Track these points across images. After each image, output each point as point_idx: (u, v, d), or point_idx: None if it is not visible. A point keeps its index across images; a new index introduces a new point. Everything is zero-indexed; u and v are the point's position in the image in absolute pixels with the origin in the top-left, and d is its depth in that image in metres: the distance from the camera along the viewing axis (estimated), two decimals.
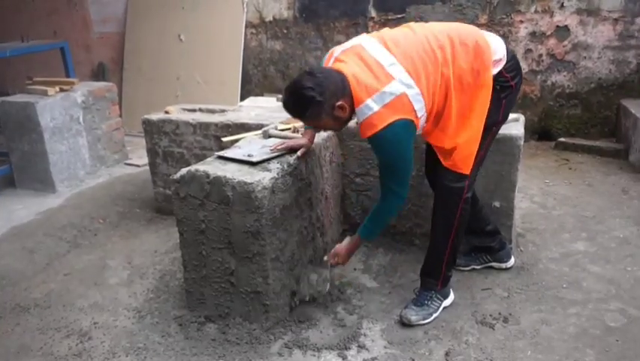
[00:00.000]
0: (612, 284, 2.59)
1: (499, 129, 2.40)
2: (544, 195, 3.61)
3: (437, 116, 2.17)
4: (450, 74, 2.11)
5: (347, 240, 2.43)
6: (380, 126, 2.01)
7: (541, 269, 2.75)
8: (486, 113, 2.20)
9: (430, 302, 2.40)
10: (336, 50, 2.19)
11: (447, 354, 2.19)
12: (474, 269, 2.73)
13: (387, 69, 2.05)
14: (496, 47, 2.20)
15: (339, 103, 2.03)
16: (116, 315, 2.57)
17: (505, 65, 2.22)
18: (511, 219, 2.77)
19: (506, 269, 2.73)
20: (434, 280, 2.43)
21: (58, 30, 6.18)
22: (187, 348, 2.29)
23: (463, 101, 2.15)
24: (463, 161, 2.23)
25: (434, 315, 2.39)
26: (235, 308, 2.38)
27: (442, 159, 2.25)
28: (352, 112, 2.10)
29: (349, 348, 2.25)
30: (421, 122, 2.12)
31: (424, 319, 2.37)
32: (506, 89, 2.25)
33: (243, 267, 2.29)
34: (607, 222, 3.20)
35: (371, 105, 2.01)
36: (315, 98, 2.00)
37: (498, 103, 2.24)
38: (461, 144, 2.20)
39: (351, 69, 2.06)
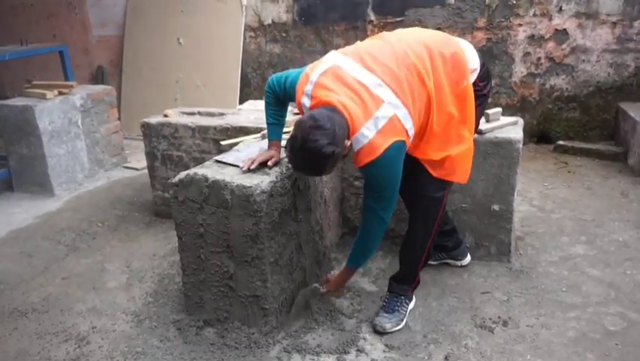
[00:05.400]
0: (612, 288, 2.59)
1: None
2: (544, 199, 3.61)
3: (422, 131, 2.14)
4: (431, 86, 2.07)
5: (339, 271, 2.50)
6: (378, 153, 1.96)
7: (541, 273, 2.74)
8: (474, 122, 2.23)
9: (399, 308, 2.41)
10: (313, 73, 2.05)
11: (446, 358, 2.19)
12: (430, 265, 2.70)
13: (373, 91, 1.97)
14: (470, 56, 2.20)
15: (347, 143, 1.96)
16: (114, 319, 2.56)
17: (479, 74, 2.23)
18: (511, 222, 2.77)
19: (506, 272, 2.73)
20: (407, 286, 2.45)
21: (57, 33, 6.19)
22: (185, 352, 2.28)
23: (444, 112, 2.12)
24: (462, 173, 2.26)
25: (404, 320, 2.40)
26: (234, 312, 2.37)
27: (431, 171, 2.22)
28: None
29: (348, 352, 2.24)
30: (410, 140, 2.09)
31: (397, 325, 2.37)
32: (480, 97, 2.26)
33: (242, 271, 2.29)
34: (606, 225, 3.20)
35: (366, 133, 1.95)
36: (335, 152, 1.89)
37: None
38: (455, 156, 2.20)
39: (339, 99, 1.95)
